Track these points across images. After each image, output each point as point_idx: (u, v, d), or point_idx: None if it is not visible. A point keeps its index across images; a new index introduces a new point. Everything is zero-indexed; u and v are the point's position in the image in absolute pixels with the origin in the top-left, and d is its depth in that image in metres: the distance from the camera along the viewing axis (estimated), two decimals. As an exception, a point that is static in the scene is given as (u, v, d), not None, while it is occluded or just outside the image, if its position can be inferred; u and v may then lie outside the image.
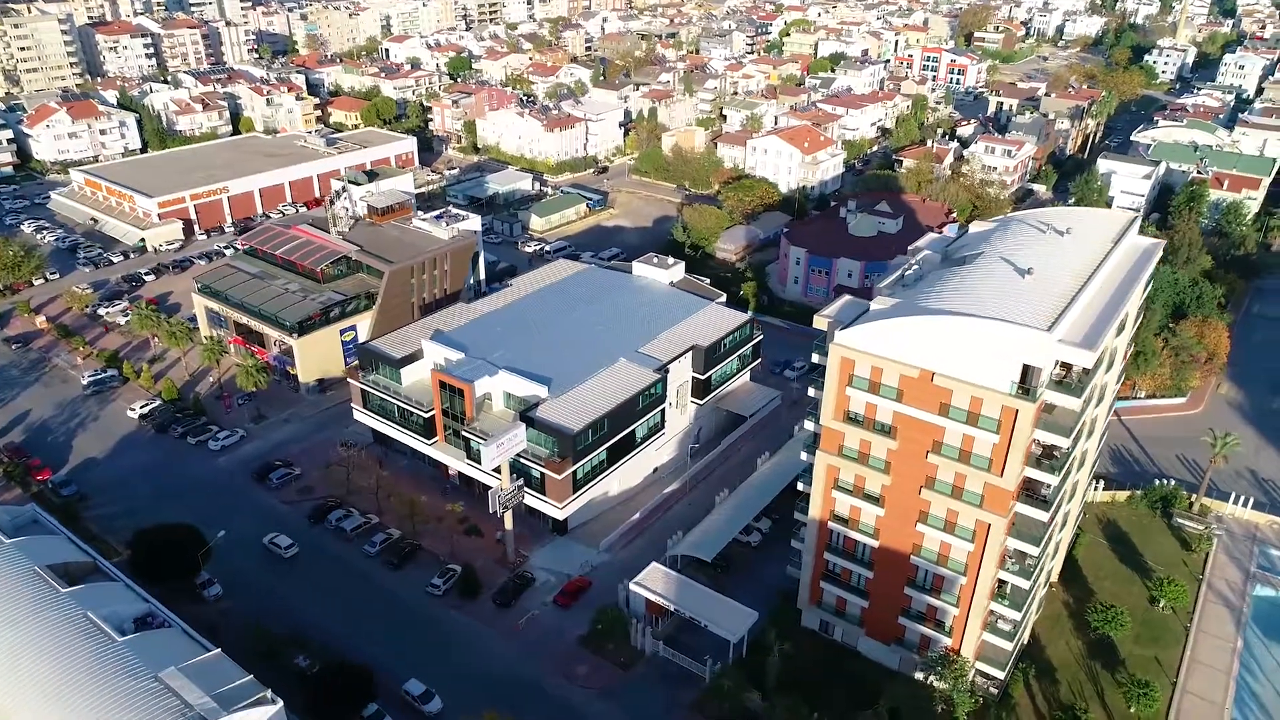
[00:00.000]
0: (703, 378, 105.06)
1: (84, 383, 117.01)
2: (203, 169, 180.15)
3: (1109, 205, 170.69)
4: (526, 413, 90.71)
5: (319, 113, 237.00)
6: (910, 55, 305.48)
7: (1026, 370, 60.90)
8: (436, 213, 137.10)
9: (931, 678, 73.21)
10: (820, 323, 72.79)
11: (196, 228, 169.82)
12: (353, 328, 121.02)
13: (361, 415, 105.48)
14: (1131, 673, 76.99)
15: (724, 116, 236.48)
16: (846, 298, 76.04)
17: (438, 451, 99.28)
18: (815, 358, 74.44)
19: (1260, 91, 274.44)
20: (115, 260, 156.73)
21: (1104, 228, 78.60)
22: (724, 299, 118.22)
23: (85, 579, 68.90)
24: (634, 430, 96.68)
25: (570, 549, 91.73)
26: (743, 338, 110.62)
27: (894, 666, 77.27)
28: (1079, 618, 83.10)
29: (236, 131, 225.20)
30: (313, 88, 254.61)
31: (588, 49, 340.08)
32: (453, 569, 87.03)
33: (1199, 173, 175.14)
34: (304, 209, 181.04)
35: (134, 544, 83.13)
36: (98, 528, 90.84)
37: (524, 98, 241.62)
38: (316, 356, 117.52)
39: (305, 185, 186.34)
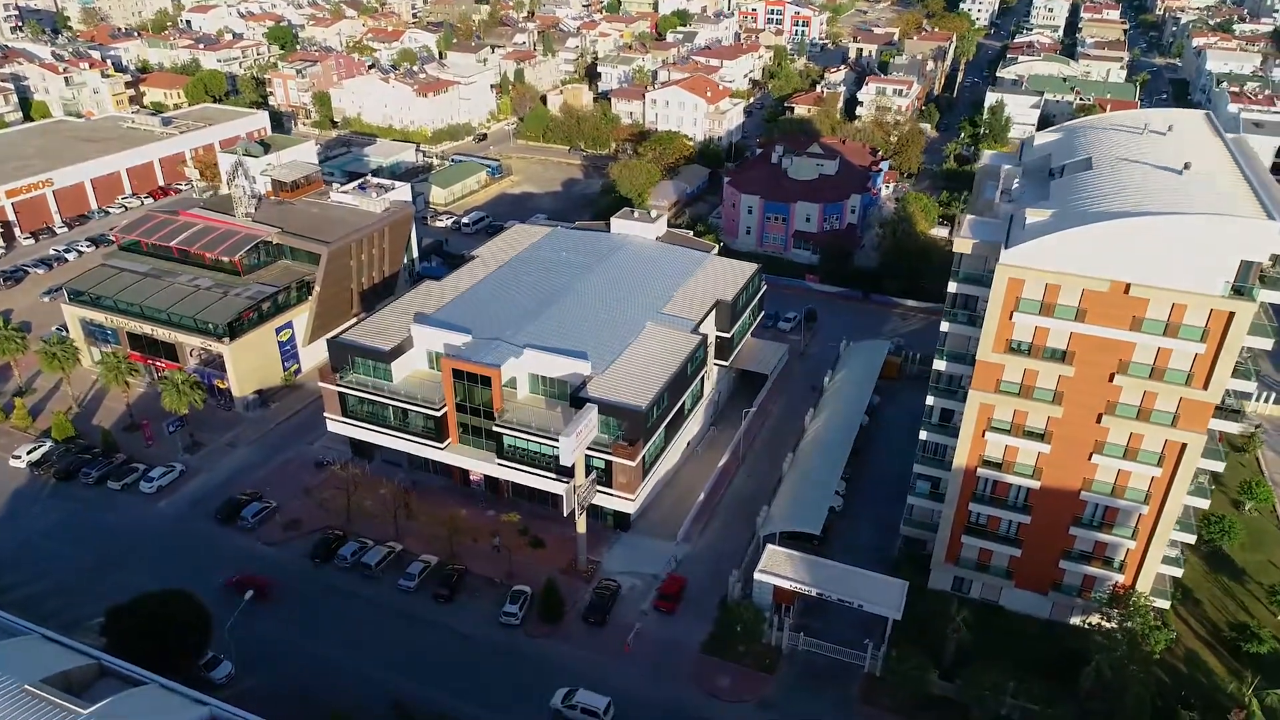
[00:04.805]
0: (728, 335, 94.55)
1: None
2: (10, 161, 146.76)
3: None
4: (578, 394, 76.79)
5: (131, 92, 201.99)
6: (754, 10, 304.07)
7: (1243, 268, 55.12)
8: (358, 182, 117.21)
9: (1097, 619, 67.35)
10: (964, 246, 64.42)
11: (18, 231, 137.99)
12: (288, 325, 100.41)
13: (338, 424, 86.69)
14: (1257, 580, 75.38)
15: (598, 74, 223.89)
16: (970, 218, 67.97)
17: (452, 456, 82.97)
18: (953, 287, 65.95)
19: (1073, 29, 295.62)
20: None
21: (1188, 125, 74.96)
22: (717, 250, 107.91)
23: (94, 687, 49.36)
24: (684, 402, 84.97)
25: (643, 546, 78.95)
26: (754, 290, 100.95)
27: (1045, 615, 71.10)
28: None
29: (28, 118, 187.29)
30: (114, 65, 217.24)
31: (414, 15, 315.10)
32: (522, 590, 72.13)
33: (1081, 100, 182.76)
34: (149, 200, 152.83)
35: (109, 627, 62.29)
36: (27, 615, 67.73)
37: (380, 65, 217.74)
38: (252, 363, 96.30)
39: (146, 172, 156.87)
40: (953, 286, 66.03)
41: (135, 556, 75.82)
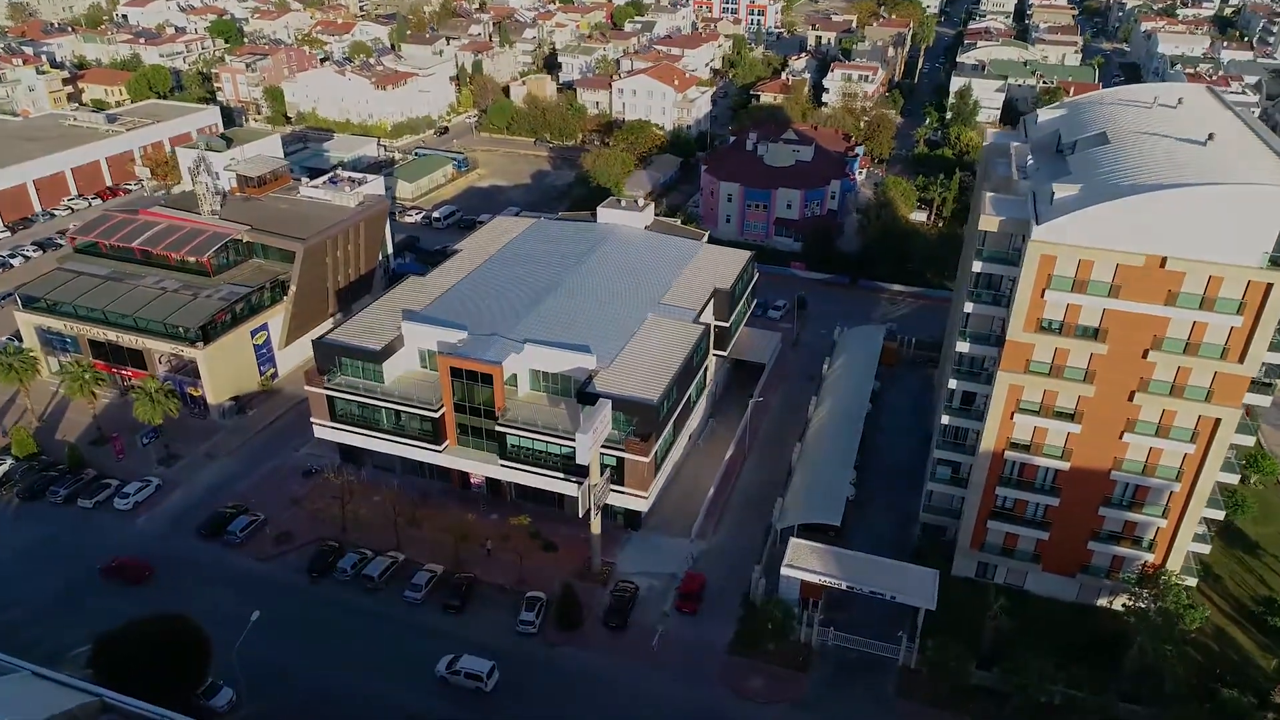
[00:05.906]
0: (726, 325, 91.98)
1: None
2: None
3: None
4: (585, 389, 73.55)
5: (70, 89, 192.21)
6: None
7: (1281, 238, 54.21)
8: (328, 176, 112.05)
9: (1127, 599, 66.43)
10: (989, 224, 62.69)
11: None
12: (264, 326, 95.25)
13: (326, 430, 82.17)
14: (1273, 553, 75.39)
15: (557, 65, 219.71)
16: (991, 195, 66.31)
17: (451, 458, 79.11)
18: (978, 266, 64.23)
19: (1021, 15, 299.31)
20: None
21: (1194, 99, 74.38)
22: (706, 237, 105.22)
23: (98, 727, 44.96)
24: (690, 395, 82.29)
25: (657, 545, 76.04)
26: (749, 278, 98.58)
27: (1071, 598, 69.96)
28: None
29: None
30: (49, 61, 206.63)
31: (362, 7, 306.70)
32: (537, 597, 68.77)
33: (1045, 83, 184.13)
34: (98, 201, 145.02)
35: (97, 657, 57.35)
36: (3, 648, 62.42)
37: (333, 58, 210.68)
38: (227, 368, 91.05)
39: (92, 171, 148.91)
40: (977, 266, 64.36)
41: (116, 579, 70.53)
